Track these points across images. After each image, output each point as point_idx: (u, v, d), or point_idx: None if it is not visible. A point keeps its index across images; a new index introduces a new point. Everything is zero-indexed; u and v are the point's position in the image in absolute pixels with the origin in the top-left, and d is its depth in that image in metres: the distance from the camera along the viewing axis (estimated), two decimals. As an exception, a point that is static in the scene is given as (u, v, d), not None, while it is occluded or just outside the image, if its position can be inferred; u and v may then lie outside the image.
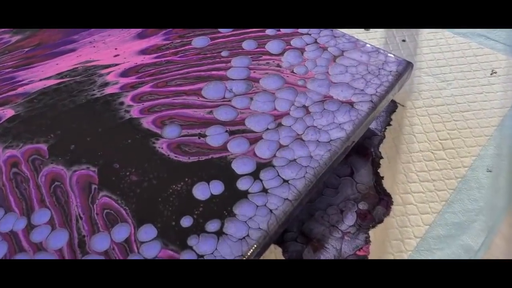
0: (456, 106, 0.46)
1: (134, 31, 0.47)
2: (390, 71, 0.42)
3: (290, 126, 0.39)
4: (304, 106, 0.40)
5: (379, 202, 0.40)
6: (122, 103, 0.41)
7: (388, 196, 0.41)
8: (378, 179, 0.41)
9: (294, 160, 0.37)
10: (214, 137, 0.38)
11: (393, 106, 0.46)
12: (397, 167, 0.42)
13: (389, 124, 0.45)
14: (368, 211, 0.40)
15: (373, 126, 0.45)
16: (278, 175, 0.36)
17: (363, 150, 0.43)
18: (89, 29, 0.47)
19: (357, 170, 0.42)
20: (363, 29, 0.53)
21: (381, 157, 0.43)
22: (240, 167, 0.36)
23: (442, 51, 0.51)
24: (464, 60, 0.50)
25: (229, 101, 0.40)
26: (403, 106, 0.46)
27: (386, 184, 0.41)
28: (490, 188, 0.40)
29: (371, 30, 0.53)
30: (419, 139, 0.44)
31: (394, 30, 0.53)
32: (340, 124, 0.38)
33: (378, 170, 0.42)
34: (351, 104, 0.40)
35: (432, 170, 0.42)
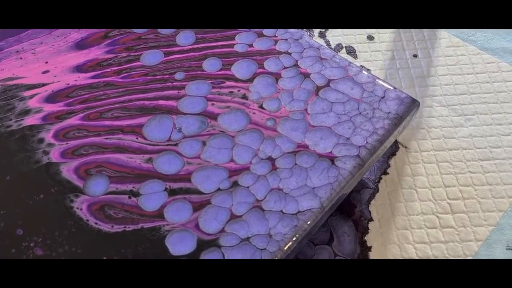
0: (474, 152, 0.36)
1: (72, 38, 0.37)
2: (388, 113, 0.32)
3: (248, 187, 0.29)
4: (269, 158, 0.30)
5: (364, 277, 0.32)
6: (41, 140, 0.32)
7: (376, 270, 0.32)
8: (364, 250, 0.32)
9: (247, 239, 0.28)
10: (149, 197, 0.30)
11: (392, 147, 0.37)
12: (390, 235, 0.33)
13: (385, 173, 0.36)
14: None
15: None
16: (224, 259, 0.27)
17: (348, 208, 0.34)
18: (19, 34, 0.38)
19: (338, 237, 0.33)
20: (365, 38, 0.43)
21: (371, 219, 0.34)
22: (176, 245, 0.28)
23: (463, 72, 0.40)
24: (490, 87, 0.39)
25: (175, 145, 0.31)
26: (405, 147, 0.36)
27: (374, 257, 0.32)
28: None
29: (376, 39, 0.43)
30: (422, 196, 0.34)
31: (404, 41, 0.42)
32: (313, 189, 0.29)
33: (365, 238, 0.33)
34: (331, 159, 0.30)
35: (434, 243, 0.32)
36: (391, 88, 0.33)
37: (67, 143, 0.32)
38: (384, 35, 0.43)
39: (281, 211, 0.28)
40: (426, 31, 0.43)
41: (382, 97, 0.32)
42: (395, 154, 0.36)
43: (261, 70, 0.34)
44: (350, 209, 0.34)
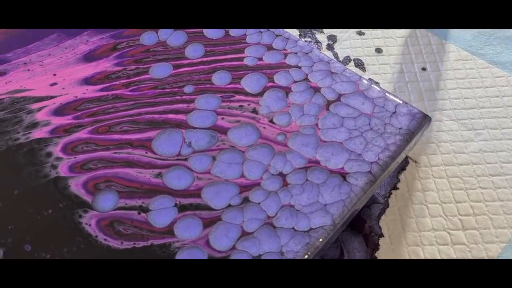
0: (485, 168, 0.36)
1: (80, 50, 0.37)
2: (400, 129, 0.31)
3: (259, 204, 0.29)
4: (280, 174, 0.30)
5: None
6: (49, 154, 0.32)
7: None
8: (374, 266, 0.32)
9: (259, 256, 0.27)
10: (159, 213, 0.29)
11: (402, 162, 0.36)
12: (401, 251, 0.32)
13: (395, 188, 0.35)
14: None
15: (375, 184, 0.36)
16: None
17: (358, 224, 0.34)
18: (27, 45, 0.38)
19: (348, 252, 0.33)
20: (374, 51, 0.43)
21: (381, 235, 0.33)
22: (186, 262, 0.27)
23: (472, 86, 0.40)
24: (499, 101, 0.39)
25: (185, 159, 0.31)
26: (415, 162, 0.36)
27: (385, 272, 0.32)
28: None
29: (384, 52, 0.42)
30: (433, 212, 0.34)
31: (412, 54, 0.42)
32: (325, 206, 0.29)
33: (376, 254, 0.33)
34: (343, 175, 0.30)
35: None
36: (403, 103, 0.32)
37: (75, 157, 0.32)
38: (393, 48, 0.43)
39: (293, 228, 0.28)
40: (434, 44, 0.43)
41: (394, 112, 0.32)
42: (405, 169, 0.36)
43: (271, 84, 0.34)
44: (360, 224, 0.34)
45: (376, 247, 0.33)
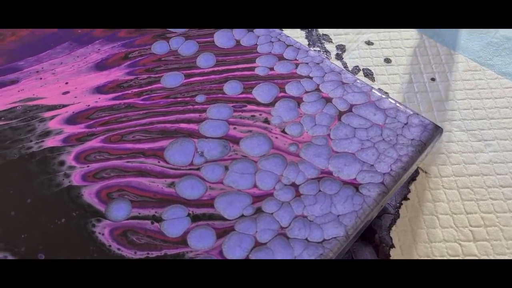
0: (495, 179, 0.36)
1: (92, 59, 0.37)
2: (412, 140, 0.32)
3: (272, 214, 0.29)
4: (293, 185, 0.30)
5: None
6: (62, 163, 0.32)
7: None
8: (385, 277, 0.32)
9: (273, 267, 0.27)
10: (172, 222, 0.29)
11: (413, 172, 0.36)
12: (412, 262, 0.33)
13: (405, 198, 0.35)
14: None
15: (385, 194, 0.36)
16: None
17: (369, 234, 0.34)
18: (39, 53, 0.38)
19: (360, 263, 0.33)
20: (383, 61, 0.43)
21: (392, 246, 0.33)
22: (200, 272, 0.27)
23: (482, 97, 0.40)
24: (509, 112, 0.39)
25: (198, 169, 0.31)
26: (425, 172, 0.36)
27: (396, 282, 0.32)
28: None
29: (393, 62, 0.43)
30: (444, 223, 0.34)
31: (421, 64, 0.42)
32: (338, 217, 0.29)
33: (387, 265, 0.33)
34: (355, 186, 0.30)
35: (457, 270, 0.32)
36: (414, 114, 0.33)
37: (88, 166, 0.32)
38: (401, 58, 0.43)
39: (306, 239, 0.28)
40: (443, 55, 0.43)
41: (405, 123, 0.32)
42: (415, 179, 0.36)
43: (282, 94, 0.34)
44: (371, 234, 0.34)
45: (387, 258, 0.33)
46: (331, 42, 0.45)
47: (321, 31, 0.45)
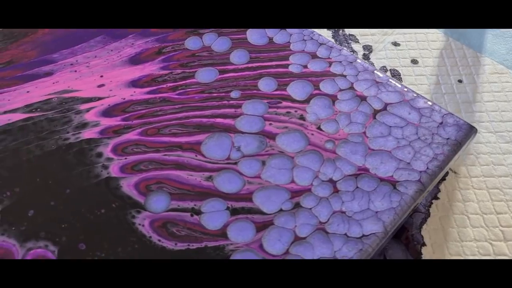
0: (524, 180, 0.36)
1: (126, 53, 0.38)
2: (447, 139, 0.32)
3: (310, 209, 0.30)
4: (330, 180, 0.31)
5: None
6: (100, 155, 0.32)
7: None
8: (417, 274, 0.32)
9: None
10: (211, 215, 0.30)
11: (442, 172, 0.37)
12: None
13: (436, 197, 0.36)
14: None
15: (414, 194, 0.36)
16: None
17: (400, 232, 0.34)
18: (73, 46, 0.38)
19: (392, 260, 0.33)
20: (410, 62, 0.43)
21: (424, 244, 0.34)
22: (241, 265, 0.28)
23: (509, 99, 0.41)
24: (536, 114, 0.40)
25: (235, 163, 0.32)
26: (455, 173, 0.37)
27: (427, 280, 0.32)
28: None
29: (420, 63, 0.43)
30: (474, 222, 0.34)
31: (448, 66, 0.43)
32: (377, 213, 0.29)
33: (419, 262, 0.33)
34: (393, 184, 0.30)
35: (488, 269, 0.32)
36: (449, 113, 0.33)
37: (126, 158, 0.32)
38: (428, 60, 0.43)
39: (345, 234, 0.29)
40: (470, 57, 0.43)
41: (440, 123, 0.33)
42: (445, 179, 0.36)
43: (317, 91, 0.35)
44: (402, 233, 0.34)
45: (418, 256, 0.33)
46: (358, 42, 0.45)
47: (348, 31, 0.46)
